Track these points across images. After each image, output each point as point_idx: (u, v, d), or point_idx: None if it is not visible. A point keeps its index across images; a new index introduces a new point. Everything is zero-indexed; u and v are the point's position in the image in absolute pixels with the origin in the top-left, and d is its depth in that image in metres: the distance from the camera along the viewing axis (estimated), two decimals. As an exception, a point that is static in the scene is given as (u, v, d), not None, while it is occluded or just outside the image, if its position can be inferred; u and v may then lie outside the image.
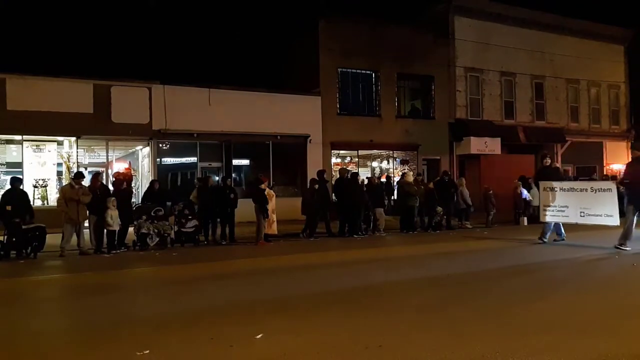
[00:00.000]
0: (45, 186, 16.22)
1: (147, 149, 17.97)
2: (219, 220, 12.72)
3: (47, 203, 15.69)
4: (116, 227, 11.14)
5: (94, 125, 16.21)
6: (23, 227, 10.43)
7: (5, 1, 22.39)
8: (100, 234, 11.20)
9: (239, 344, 4.37)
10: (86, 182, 11.96)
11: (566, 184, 11.10)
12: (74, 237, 10.85)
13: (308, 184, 14.95)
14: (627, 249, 9.34)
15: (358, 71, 21.10)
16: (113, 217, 11.03)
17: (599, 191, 10.08)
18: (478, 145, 22.15)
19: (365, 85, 21.35)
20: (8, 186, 11.35)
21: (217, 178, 18.06)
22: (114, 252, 11.00)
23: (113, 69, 19.78)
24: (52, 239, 10.94)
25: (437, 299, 5.96)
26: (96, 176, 12.01)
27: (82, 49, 23.04)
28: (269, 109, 18.50)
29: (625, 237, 9.46)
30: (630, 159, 9.94)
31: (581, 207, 10.28)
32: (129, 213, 11.80)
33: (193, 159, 18.39)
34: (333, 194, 15.05)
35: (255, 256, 10.20)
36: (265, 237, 12.43)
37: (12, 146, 16.23)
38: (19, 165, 15.88)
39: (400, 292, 6.52)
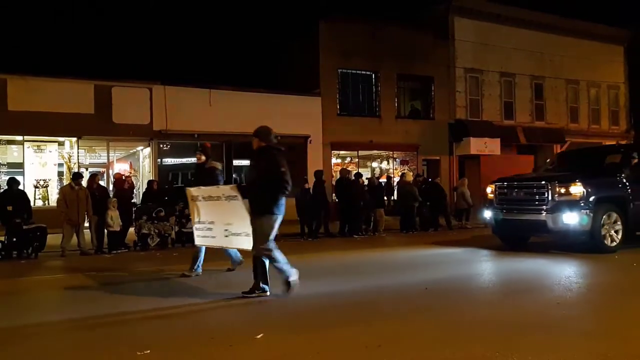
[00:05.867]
0: (46, 186, 16.25)
1: (147, 150, 18.00)
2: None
3: (48, 203, 15.72)
4: (117, 228, 11.19)
5: (94, 126, 16.24)
6: (24, 227, 10.49)
7: (6, 1, 22.41)
8: (101, 235, 11.26)
9: (239, 344, 4.40)
10: (84, 182, 12.03)
11: (206, 191, 7.22)
12: (74, 237, 10.90)
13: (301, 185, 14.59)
14: (266, 293, 6.12)
15: (358, 72, 21.13)
16: (113, 217, 11.08)
17: (232, 199, 6.51)
18: (478, 145, 22.18)
19: (365, 86, 21.38)
20: (6, 187, 11.43)
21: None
22: (115, 252, 11.04)
23: (114, 70, 19.83)
24: (53, 239, 10.99)
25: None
26: (93, 177, 12.06)
27: (83, 50, 23.10)
28: (269, 109, 18.48)
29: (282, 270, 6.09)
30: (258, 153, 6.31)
31: (225, 222, 6.77)
32: (129, 213, 11.87)
33: (194, 160, 18.34)
34: (334, 194, 15.06)
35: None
36: (265, 237, 12.42)
37: (13, 146, 16.27)
38: (20, 165, 15.92)
39: (399, 298, 6.55)
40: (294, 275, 6.10)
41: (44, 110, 15.54)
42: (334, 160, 20.66)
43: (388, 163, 22.32)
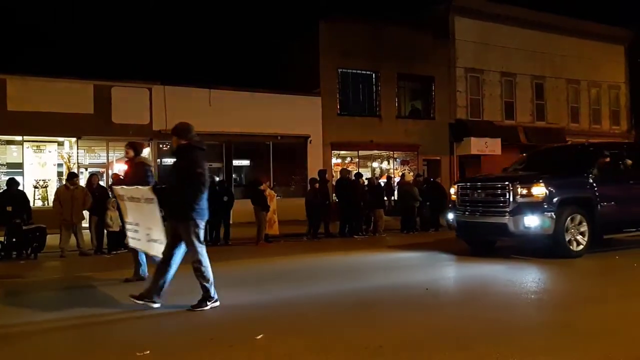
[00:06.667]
0: (46, 187, 16.23)
1: (147, 150, 17.95)
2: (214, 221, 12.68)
3: (48, 204, 15.68)
4: (116, 228, 11.13)
5: (94, 126, 16.22)
6: (23, 227, 10.46)
7: (5, 1, 22.39)
8: (100, 235, 11.22)
9: (239, 344, 4.37)
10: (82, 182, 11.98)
11: (129, 191, 6.68)
12: (73, 238, 10.86)
13: (308, 184, 14.79)
14: (156, 304, 5.64)
15: (358, 71, 21.12)
16: (113, 218, 11.03)
17: (149, 202, 5.98)
18: (478, 145, 22.15)
19: (365, 86, 21.37)
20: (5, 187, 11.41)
21: (217, 178, 18.11)
22: (114, 252, 11.00)
23: (113, 70, 19.81)
24: (53, 240, 10.97)
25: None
26: (92, 177, 12.02)
27: (82, 50, 23.08)
28: (269, 109, 18.50)
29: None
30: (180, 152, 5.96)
31: (146, 226, 6.23)
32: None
33: (193, 160, 18.37)
34: (334, 194, 15.04)
35: (255, 257, 10.19)
36: (266, 237, 12.44)
37: (13, 147, 16.25)
38: (20, 165, 15.90)
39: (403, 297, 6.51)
40: (214, 300, 5.61)
41: (44, 111, 15.52)
42: (334, 160, 20.64)
43: (388, 163, 22.30)
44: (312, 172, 16.30)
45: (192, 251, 5.64)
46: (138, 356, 4.08)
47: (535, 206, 8.57)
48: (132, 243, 6.90)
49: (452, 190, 10.26)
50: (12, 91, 15.54)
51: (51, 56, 21.54)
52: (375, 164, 22.57)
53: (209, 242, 12.41)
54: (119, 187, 7.14)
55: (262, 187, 12.64)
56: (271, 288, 6.93)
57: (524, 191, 8.69)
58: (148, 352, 4.15)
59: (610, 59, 27.28)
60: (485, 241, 10.00)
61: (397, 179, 19.19)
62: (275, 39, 22.55)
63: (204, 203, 5.65)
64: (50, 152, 16.58)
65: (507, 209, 8.77)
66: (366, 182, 15.33)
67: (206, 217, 5.76)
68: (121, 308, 5.80)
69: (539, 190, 8.61)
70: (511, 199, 8.75)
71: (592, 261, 8.62)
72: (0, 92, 15.39)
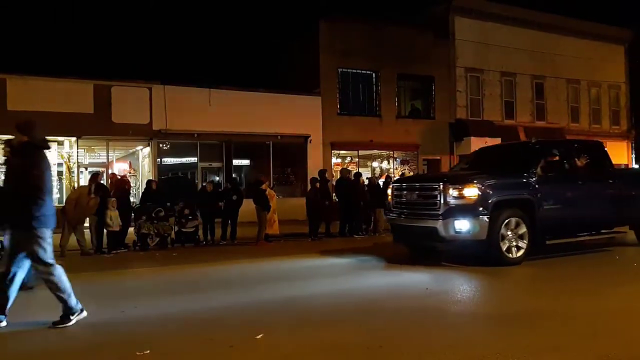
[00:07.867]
0: (46, 186, 16.20)
1: (147, 149, 17.97)
2: (219, 220, 12.72)
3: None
4: (116, 228, 11.15)
5: (94, 126, 16.22)
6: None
7: (6, 1, 22.41)
8: (100, 235, 11.21)
9: (239, 344, 4.38)
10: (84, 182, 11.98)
11: None
12: (73, 237, 10.85)
13: (309, 184, 14.78)
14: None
15: (358, 71, 21.12)
16: (113, 217, 11.04)
17: None
18: (478, 145, 21.92)
19: (365, 86, 21.38)
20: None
21: (217, 178, 18.15)
22: (115, 252, 11.00)
23: (113, 69, 19.83)
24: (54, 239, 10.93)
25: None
26: (95, 177, 12.00)
27: (82, 49, 23.10)
28: (269, 109, 18.50)
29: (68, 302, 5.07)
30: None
31: None
32: (128, 213, 11.85)
33: (193, 159, 18.40)
34: (334, 194, 15.04)
35: (255, 256, 10.19)
36: (266, 237, 12.44)
37: (13, 146, 16.23)
38: (20, 165, 15.88)
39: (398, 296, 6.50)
40: (77, 312, 5.05)
41: (44, 110, 15.46)
42: (334, 160, 20.65)
43: (388, 163, 22.30)
44: (312, 172, 16.28)
45: (38, 264, 4.95)
46: (138, 355, 4.08)
47: (467, 209, 7.86)
48: None
49: (389, 191, 9.68)
50: (12, 91, 15.54)
51: (51, 56, 21.57)
52: (375, 164, 22.57)
53: (210, 242, 12.45)
54: None
55: (262, 187, 12.64)
56: (271, 288, 6.94)
57: (455, 192, 7.99)
58: (148, 351, 4.15)
59: (610, 59, 27.29)
60: (426, 246, 9.16)
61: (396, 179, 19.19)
62: (275, 39, 22.56)
63: (47, 209, 4.94)
64: (50, 151, 16.47)
65: (439, 212, 8.05)
66: (366, 182, 15.33)
67: (52, 226, 5.04)
68: (121, 307, 5.79)
69: (471, 191, 7.92)
70: (442, 201, 8.03)
71: (528, 269, 7.92)
72: (0, 92, 15.40)
